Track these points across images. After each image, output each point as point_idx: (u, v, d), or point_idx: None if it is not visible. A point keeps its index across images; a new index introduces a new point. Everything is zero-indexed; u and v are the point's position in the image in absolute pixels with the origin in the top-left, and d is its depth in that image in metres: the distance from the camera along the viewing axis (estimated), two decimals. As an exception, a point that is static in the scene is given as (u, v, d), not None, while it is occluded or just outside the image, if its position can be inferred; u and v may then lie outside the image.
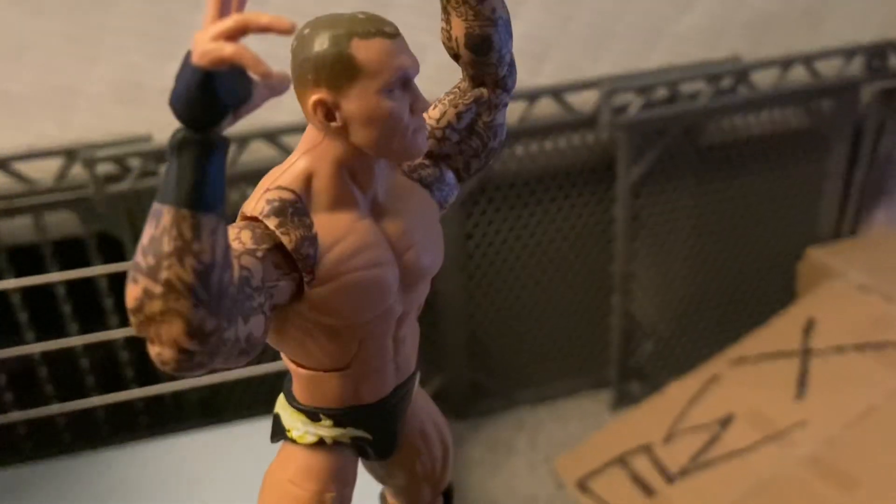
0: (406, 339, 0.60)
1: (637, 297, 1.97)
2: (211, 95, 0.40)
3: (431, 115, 0.61)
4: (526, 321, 1.94)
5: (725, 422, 1.74)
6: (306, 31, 0.51)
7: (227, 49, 0.39)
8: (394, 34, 0.52)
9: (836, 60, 1.82)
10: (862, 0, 1.84)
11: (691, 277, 2.00)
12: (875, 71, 1.83)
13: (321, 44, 0.50)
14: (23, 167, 1.45)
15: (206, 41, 0.40)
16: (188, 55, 0.41)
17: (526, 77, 1.72)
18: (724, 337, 2.08)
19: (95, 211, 1.50)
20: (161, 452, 1.51)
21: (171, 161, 0.41)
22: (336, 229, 0.52)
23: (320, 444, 0.60)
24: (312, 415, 0.59)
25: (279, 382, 0.64)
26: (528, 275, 1.88)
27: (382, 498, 0.76)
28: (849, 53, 1.80)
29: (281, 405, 0.62)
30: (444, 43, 0.59)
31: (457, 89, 0.62)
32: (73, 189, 1.47)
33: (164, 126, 1.52)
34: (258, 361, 1.61)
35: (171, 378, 1.60)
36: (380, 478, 0.70)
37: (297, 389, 0.60)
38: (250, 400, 1.76)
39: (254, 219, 0.51)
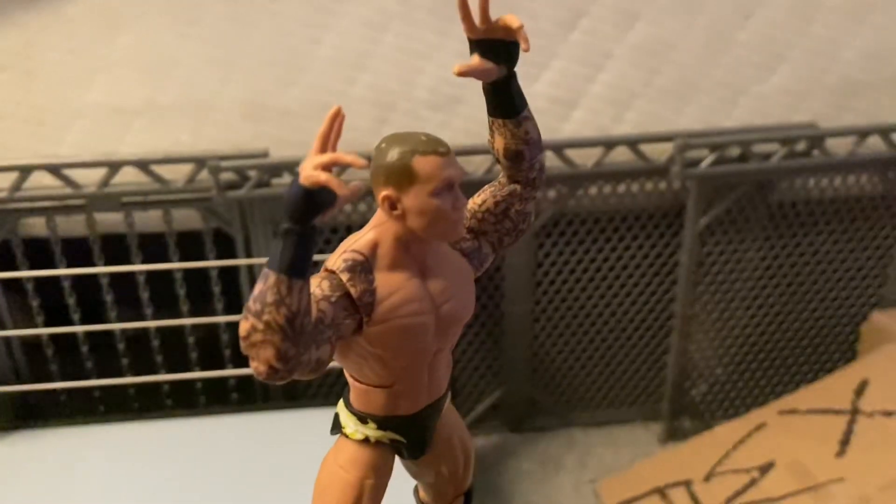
0: (438, 368, 0.77)
1: (696, 339, 2.06)
2: (308, 203, 0.59)
3: (475, 201, 0.78)
4: (587, 348, 2.07)
5: (766, 468, 1.82)
6: (383, 144, 0.69)
7: (322, 177, 0.58)
8: (445, 153, 0.69)
9: (917, 133, 1.86)
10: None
11: (752, 327, 2.08)
12: (956, 147, 1.86)
13: (392, 156, 0.68)
14: (159, 169, 1.70)
15: (309, 169, 0.58)
16: (297, 175, 0.59)
17: (608, 123, 1.87)
18: (779, 387, 2.15)
19: (215, 211, 1.74)
20: (248, 424, 1.73)
21: (277, 241, 0.60)
22: (391, 285, 0.70)
23: (366, 441, 0.78)
24: (362, 418, 0.77)
25: (343, 380, 0.82)
26: (592, 305, 2.01)
27: (416, 491, 0.93)
28: (930, 127, 1.84)
29: (340, 407, 0.80)
30: (490, 150, 0.76)
31: (497, 183, 0.78)
32: (198, 191, 1.71)
33: (280, 143, 1.76)
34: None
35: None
36: (413, 474, 0.87)
37: (352, 397, 0.78)
38: (325, 391, 1.97)
39: (332, 272, 0.69)
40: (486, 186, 0.79)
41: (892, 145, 1.85)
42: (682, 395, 2.12)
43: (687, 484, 1.86)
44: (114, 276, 1.78)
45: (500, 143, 0.74)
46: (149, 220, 1.76)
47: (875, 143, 1.87)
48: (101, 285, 1.79)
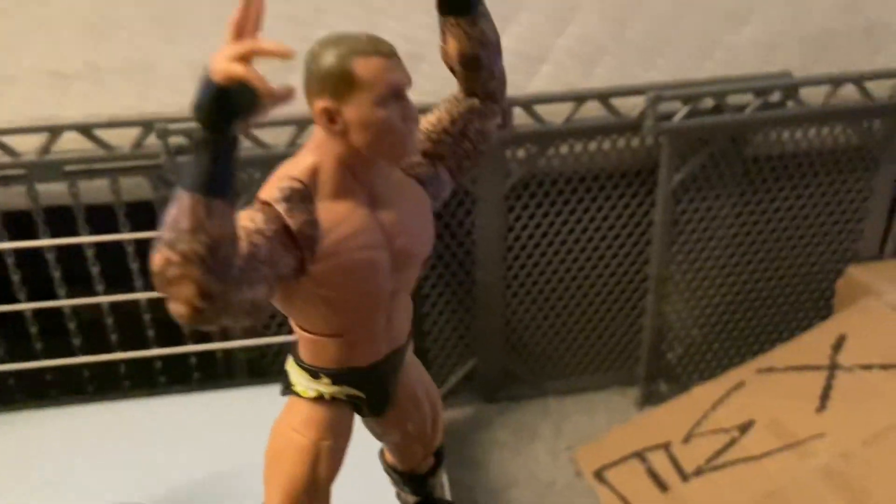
0: (397, 313, 0.69)
1: (671, 300, 2.01)
2: (223, 105, 0.50)
3: (429, 120, 0.70)
4: (560, 314, 2.01)
5: (745, 427, 1.78)
6: (316, 47, 0.60)
7: (238, 69, 0.48)
8: (389, 53, 0.60)
9: (890, 81, 1.82)
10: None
11: (727, 286, 2.03)
12: (931, 94, 1.82)
13: (327, 59, 0.59)
14: (104, 134, 1.60)
15: (221, 61, 0.49)
16: (206, 71, 0.50)
17: (576, 79, 1.79)
18: (756, 346, 2.11)
19: (165, 178, 1.64)
20: (211, 403, 1.65)
21: (191, 156, 0.51)
22: (336, 215, 0.61)
23: (320, 399, 0.70)
24: (313, 373, 0.69)
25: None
26: (564, 269, 1.95)
27: (381, 454, 0.86)
28: (904, 75, 1.80)
29: (289, 363, 0.72)
30: (442, 58, 0.68)
31: (453, 98, 0.70)
32: (147, 157, 1.61)
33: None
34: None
35: (224, 338, 1.74)
36: (377, 435, 0.80)
37: (301, 350, 0.70)
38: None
39: (267, 203, 0.60)
40: (441, 103, 0.70)
41: (867, 94, 1.81)
42: (658, 359, 2.07)
43: (666, 446, 1.82)
44: (61, 251, 1.68)
45: (453, 47, 0.65)
46: (95, 191, 1.65)
47: (849, 94, 1.82)
48: (48, 261, 1.69)
